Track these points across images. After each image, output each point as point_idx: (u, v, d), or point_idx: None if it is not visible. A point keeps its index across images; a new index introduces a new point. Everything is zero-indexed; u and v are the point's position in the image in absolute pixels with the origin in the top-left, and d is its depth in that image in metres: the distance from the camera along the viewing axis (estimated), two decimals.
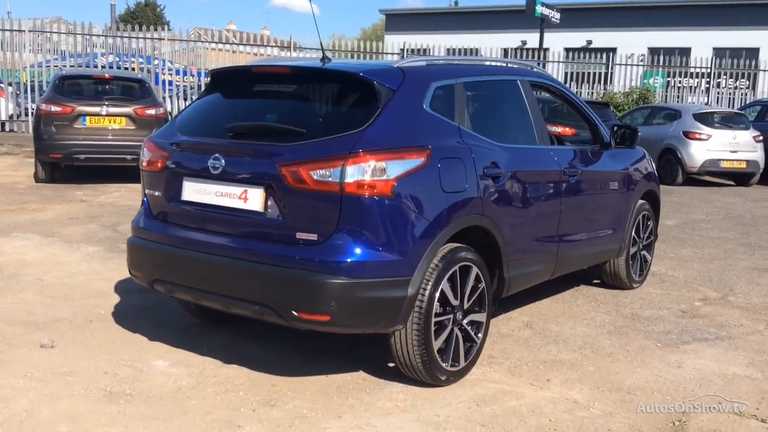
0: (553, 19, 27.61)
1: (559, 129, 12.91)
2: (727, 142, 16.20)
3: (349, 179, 3.84)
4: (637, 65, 26.61)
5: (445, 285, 4.23)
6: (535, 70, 6.07)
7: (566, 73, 27.24)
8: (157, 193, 4.63)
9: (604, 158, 6.16)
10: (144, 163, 4.70)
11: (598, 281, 6.85)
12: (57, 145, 11.95)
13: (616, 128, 6.30)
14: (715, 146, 16.13)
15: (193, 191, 4.40)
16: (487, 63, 5.88)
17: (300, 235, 3.97)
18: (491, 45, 29.31)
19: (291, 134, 4.13)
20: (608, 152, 6.21)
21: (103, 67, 20.38)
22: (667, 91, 26.74)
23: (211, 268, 4.24)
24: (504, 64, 6.03)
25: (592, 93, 25.33)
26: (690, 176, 16.41)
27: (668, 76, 26.84)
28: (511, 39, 35.03)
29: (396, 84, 4.29)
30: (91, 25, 21.91)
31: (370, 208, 3.90)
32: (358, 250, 3.89)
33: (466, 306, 4.44)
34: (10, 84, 20.75)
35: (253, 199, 4.13)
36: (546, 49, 27.04)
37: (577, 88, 25.74)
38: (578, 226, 5.75)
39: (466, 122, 4.68)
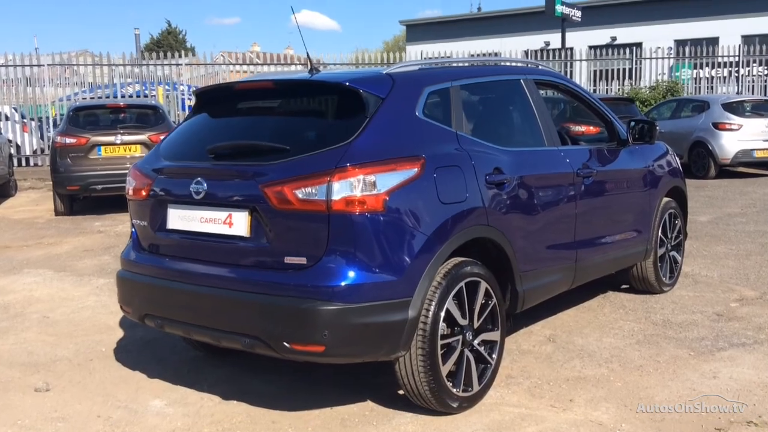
0: (574, 18, 27.30)
1: (582, 128, 12.57)
2: (759, 130, 15.64)
3: (336, 196, 3.56)
4: (664, 58, 26.00)
5: (450, 304, 3.92)
6: (540, 67, 5.77)
7: (592, 72, 26.82)
8: (143, 223, 4.39)
9: (622, 156, 5.80)
10: (129, 192, 4.46)
11: (627, 286, 6.49)
12: (74, 177, 11.88)
13: (633, 124, 5.94)
14: (747, 136, 15.57)
15: (178, 219, 4.16)
16: (487, 63, 5.57)
17: (288, 260, 3.69)
18: (513, 48, 28.91)
19: (274, 152, 3.87)
20: (626, 150, 5.85)
21: (123, 96, 20.38)
22: (696, 83, 26.08)
23: (199, 300, 3.98)
24: (505, 63, 5.71)
25: (619, 89, 24.74)
26: (723, 168, 15.87)
27: (696, 67, 26.18)
28: (534, 41, 34.62)
29: (384, 91, 4.01)
30: (115, 55, 21.98)
31: (361, 226, 3.62)
32: (350, 273, 3.61)
33: (476, 325, 4.12)
34: (32, 119, 20.84)
35: (238, 223, 3.87)
36: (570, 49, 26.60)
37: (606, 85, 25.26)
38: (598, 231, 5.41)
39: (464, 127, 4.39)
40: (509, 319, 4.61)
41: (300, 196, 3.61)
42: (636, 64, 25.90)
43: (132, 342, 5.48)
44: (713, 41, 27.16)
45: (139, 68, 22.08)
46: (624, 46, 27.35)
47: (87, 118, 12.78)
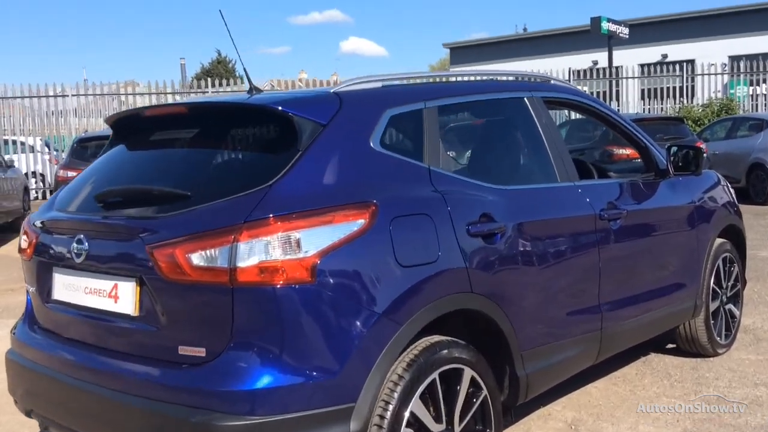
0: (621, 35, 26.33)
1: (627, 151, 11.35)
2: None
3: (243, 262, 2.56)
4: (717, 74, 24.55)
5: (417, 404, 2.86)
6: (553, 82, 4.57)
7: (641, 90, 25.60)
8: (33, 289, 3.44)
9: (661, 190, 4.64)
10: (19, 250, 3.50)
11: (673, 345, 5.31)
12: None
13: (674, 150, 4.78)
14: None
15: (63, 287, 3.19)
16: (479, 78, 4.46)
17: (183, 351, 2.68)
18: (560, 68, 27.69)
19: (172, 200, 2.87)
20: (666, 182, 4.69)
21: None
22: (753, 100, 24.54)
23: (81, 400, 2.99)
24: (505, 78, 4.51)
25: (677, 108, 23.30)
26: None
27: (753, 84, 24.68)
28: (582, 60, 33.25)
29: (326, 116, 2.99)
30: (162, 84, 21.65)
31: (280, 304, 2.60)
32: (264, 371, 2.58)
33: (458, 428, 3.04)
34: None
35: (125, 297, 2.88)
36: (618, 67, 25.39)
37: (658, 104, 23.93)
38: (630, 287, 4.28)
39: (441, 161, 3.35)
40: (509, 413, 3.51)
41: (195, 262, 2.61)
42: (688, 81, 24.56)
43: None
44: None
45: (187, 96, 21.58)
46: (675, 63, 25.92)
47: (92, 150, 11.99)
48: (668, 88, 24.77)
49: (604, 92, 24.97)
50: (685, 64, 25.61)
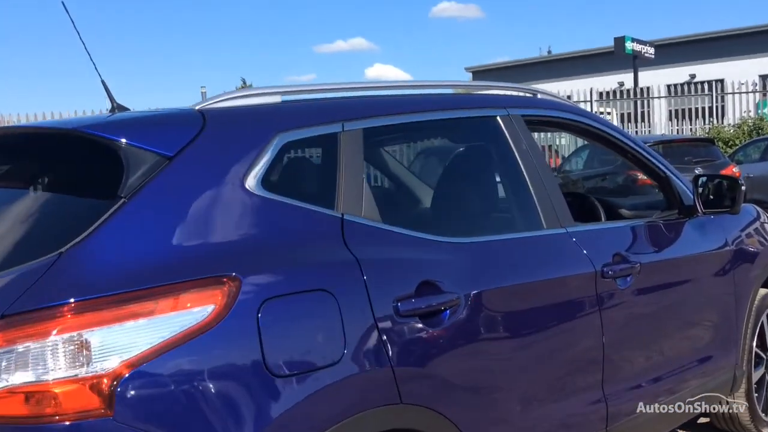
0: (647, 55, 25.67)
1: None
2: None
3: None
4: (748, 92, 23.39)
5: None
6: (540, 96, 3.46)
7: (669, 111, 24.61)
8: None
9: (687, 233, 3.61)
10: None
11: (706, 420, 4.24)
12: None
13: (703, 180, 3.72)
14: None
15: None
16: (435, 90, 3.25)
17: None
18: (586, 89, 26.78)
19: None
20: (693, 222, 3.65)
21: None
22: None
23: None
24: (473, 90, 3.51)
25: (708, 129, 22.18)
26: None
27: None
28: (607, 81, 32.13)
29: (176, 144, 2.05)
30: None
31: None
32: None
33: None
34: None
35: None
36: (646, 88, 24.47)
37: (689, 125, 22.83)
38: (646, 367, 3.25)
39: (366, 206, 2.36)
40: None
41: None
42: (717, 101, 23.47)
43: None
44: None
45: None
46: (704, 83, 24.85)
47: None
48: (697, 109, 23.74)
49: (630, 114, 24.12)
50: (715, 84, 24.59)
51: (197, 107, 2.27)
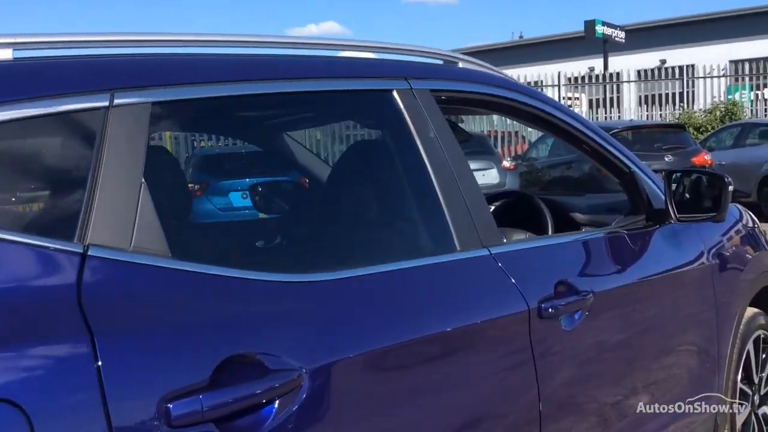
0: (617, 39, 25.69)
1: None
2: None
3: None
4: (720, 77, 23.18)
5: None
6: (462, 65, 2.48)
7: (639, 97, 24.43)
8: None
9: (656, 246, 2.82)
10: None
11: None
12: None
13: (677, 176, 2.91)
14: None
15: None
16: (292, 51, 2.10)
17: None
18: (554, 74, 26.44)
19: None
20: (664, 230, 2.85)
21: None
22: (755, 105, 23.13)
23: None
24: (358, 51, 2.29)
25: (678, 114, 21.92)
26: None
27: (758, 88, 23.34)
28: (578, 66, 31.77)
29: None
30: None
31: None
32: None
33: None
34: None
35: None
36: (616, 73, 24.50)
37: (659, 110, 22.59)
38: (602, 427, 2.47)
39: (137, 231, 1.46)
40: None
41: None
42: (688, 86, 23.30)
43: None
44: None
45: None
46: (674, 68, 24.66)
47: None
48: (667, 94, 23.64)
49: (599, 99, 23.96)
50: (685, 68, 24.39)
51: None
